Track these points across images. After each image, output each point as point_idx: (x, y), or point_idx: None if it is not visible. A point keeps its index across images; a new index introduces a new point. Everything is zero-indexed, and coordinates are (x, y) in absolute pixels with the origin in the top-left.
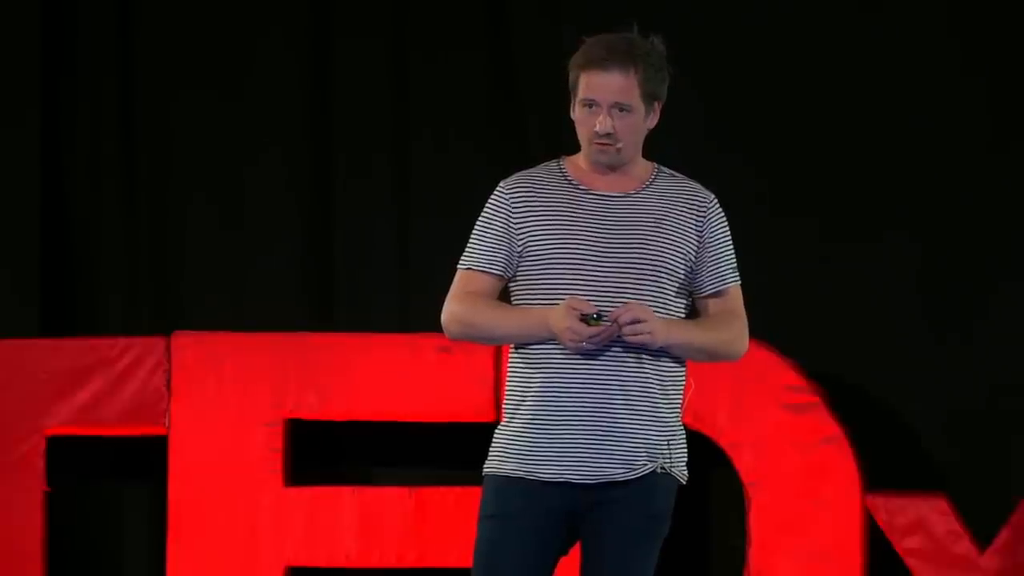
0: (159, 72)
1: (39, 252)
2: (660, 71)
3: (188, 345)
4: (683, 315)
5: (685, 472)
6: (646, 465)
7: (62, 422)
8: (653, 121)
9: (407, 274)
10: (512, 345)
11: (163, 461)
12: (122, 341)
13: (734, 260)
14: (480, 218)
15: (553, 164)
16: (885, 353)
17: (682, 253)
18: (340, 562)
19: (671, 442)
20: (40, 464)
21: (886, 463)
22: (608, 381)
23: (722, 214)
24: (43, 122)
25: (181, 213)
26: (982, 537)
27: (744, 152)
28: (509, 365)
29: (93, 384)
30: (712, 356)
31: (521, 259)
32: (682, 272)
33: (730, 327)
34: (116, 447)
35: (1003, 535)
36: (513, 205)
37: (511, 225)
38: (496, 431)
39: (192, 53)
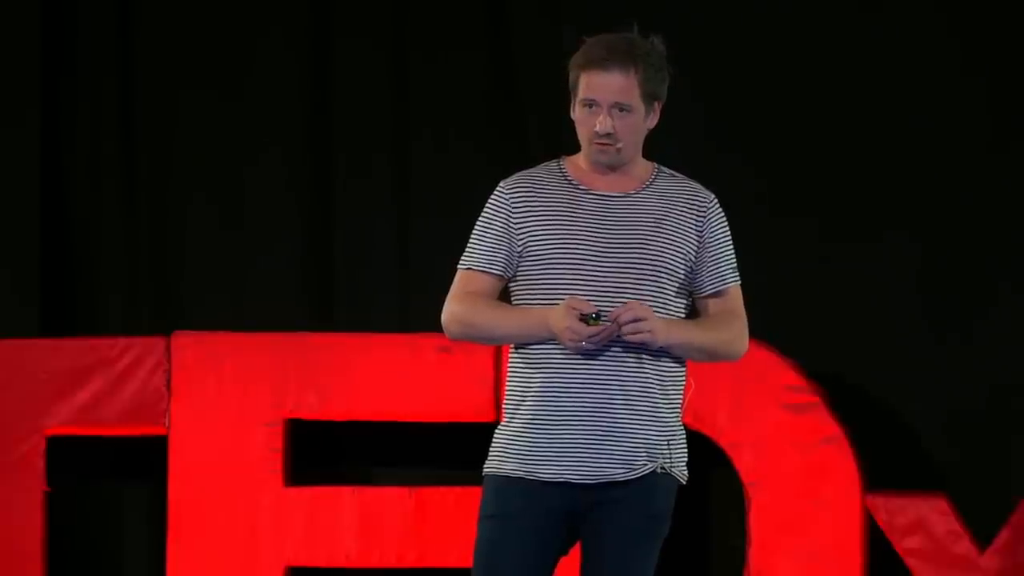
0: (159, 72)
1: (39, 252)
2: (660, 71)
3: (188, 345)
4: (683, 315)
5: (685, 472)
6: (646, 465)
7: (62, 422)
8: (653, 121)
9: (407, 274)
10: (512, 345)
11: (163, 461)
12: (122, 341)
13: (734, 260)
14: (480, 218)
15: (553, 164)
16: (885, 353)
17: (682, 253)
18: (340, 562)
19: (671, 442)
20: (40, 464)
21: (886, 463)
22: (608, 381)
23: (722, 214)
24: (43, 122)
25: (181, 213)
26: (982, 537)
27: (743, 152)
28: (509, 365)
29: (93, 384)
30: (712, 356)
31: (521, 259)
32: (682, 272)
33: (730, 327)
34: (116, 447)
35: (1003, 535)
36: (513, 205)
37: (511, 225)
38: (496, 431)
39: (192, 53)
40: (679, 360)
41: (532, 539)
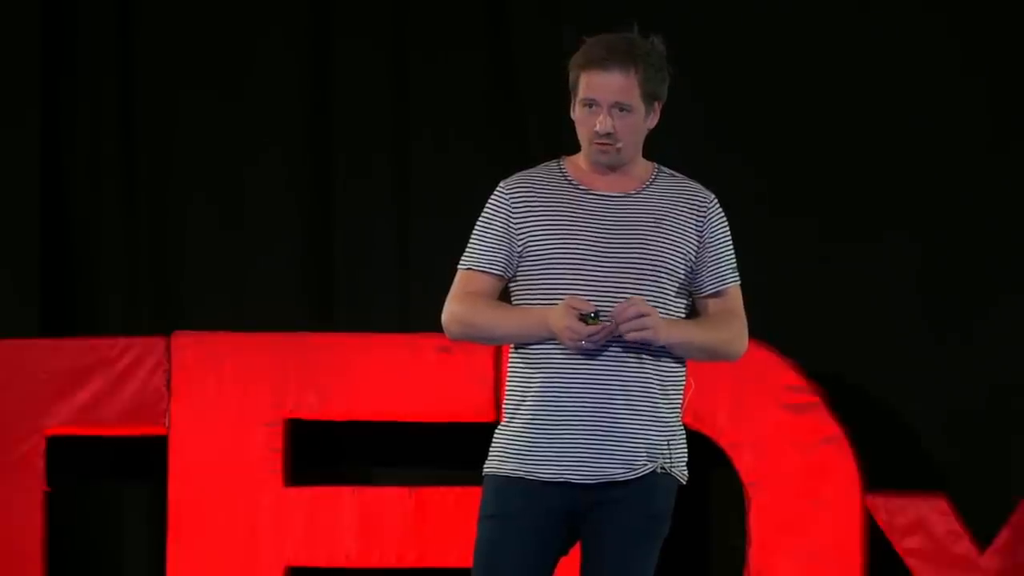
0: (159, 72)
1: (39, 252)
2: (660, 71)
3: (188, 345)
4: (683, 315)
5: (685, 472)
6: (646, 465)
7: (62, 422)
8: (653, 121)
9: (407, 274)
10: (512, 345)
11: (163, 461)
12: (122, 341)
13: (734, 260)
14: (480, 218)
15: (553, 164)
16: (885, 353)
17: (682, 253)
18: (340, 562)
19: (671, 442)
20: (40, 464)
21: (886, 463)
22: (608, 381)
23: (722, 214)
24: (43, 122)
25: (181, 213)
26: (982, 537)
27: (743, 152)
28: (509, 365)
29: (93, 384)
30: (712, 356)
31: (521, 259)
32: (682, 272)
33: (730, 327)
34: (116, 447)
35: (1003, 535)
36: (513, 205)
37: (511, 225)
38: (496, 431)
39: (192, 53)
40: (679, 360)
41: (532, 539)
